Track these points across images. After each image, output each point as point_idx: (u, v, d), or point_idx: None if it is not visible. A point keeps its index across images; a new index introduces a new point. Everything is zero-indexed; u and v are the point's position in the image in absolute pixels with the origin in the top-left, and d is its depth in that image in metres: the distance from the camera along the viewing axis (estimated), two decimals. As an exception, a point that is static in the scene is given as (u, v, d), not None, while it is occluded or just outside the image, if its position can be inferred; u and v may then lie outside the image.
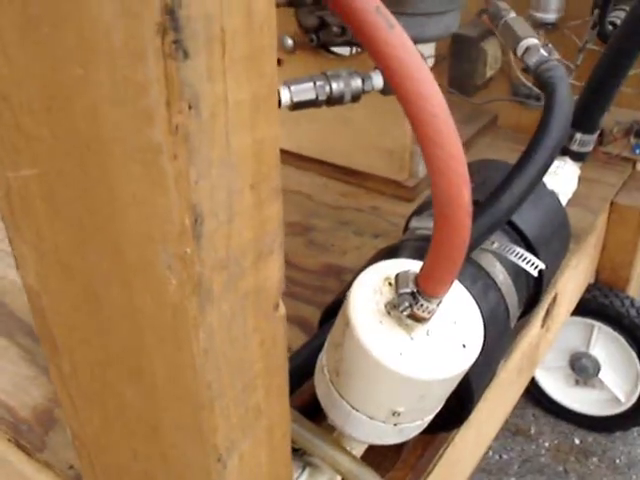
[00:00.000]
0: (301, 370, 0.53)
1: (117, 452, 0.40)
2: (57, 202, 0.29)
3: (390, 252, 0.57)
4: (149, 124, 0.23)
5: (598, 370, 1.15)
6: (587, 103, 0.74)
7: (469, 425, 0.64)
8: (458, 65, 1.01)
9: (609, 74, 0.71)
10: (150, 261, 0.27)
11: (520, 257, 0.59)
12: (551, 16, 0.95)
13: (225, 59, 0.24)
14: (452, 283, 0.39)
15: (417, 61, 0.31)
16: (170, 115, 0.23)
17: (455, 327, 0.43)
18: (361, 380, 0.42)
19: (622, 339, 1.10)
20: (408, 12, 0.66)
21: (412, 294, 0.40)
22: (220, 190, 0.26)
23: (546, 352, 0.94)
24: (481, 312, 0.45)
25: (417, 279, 0.40)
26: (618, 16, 0.86)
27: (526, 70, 0.63)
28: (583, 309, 1.06)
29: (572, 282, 0.92)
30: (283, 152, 0.93)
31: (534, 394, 1.24)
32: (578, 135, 0.76)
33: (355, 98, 0.69)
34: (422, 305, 0.40)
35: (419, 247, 0.57)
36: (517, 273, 0.61)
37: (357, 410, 0.44)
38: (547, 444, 1.23)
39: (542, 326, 0.84)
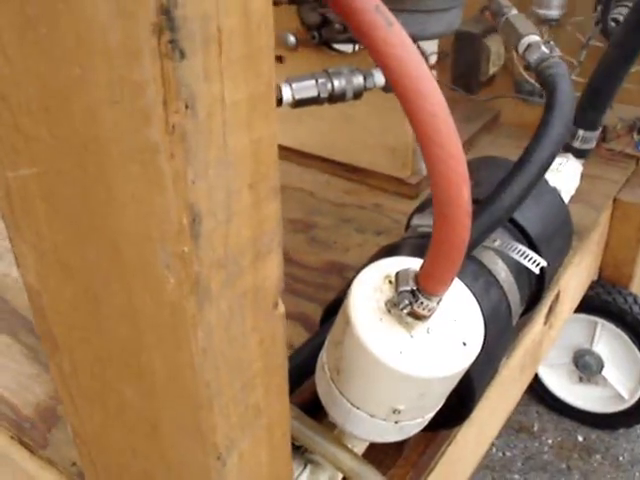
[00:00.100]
0: (302, 368, 0.53)
1: (117, 450, 0.40)
2: (56, 201, 0.30)
3: (391, 250, 0.57)
4: (146, 124, 0.23)
5: (601, 367, 1.14)
6: (589, 100, 0.74)
7: (471, 423, 0.64)
8: (461, 62, 1.01)
9: (611, 71, 0.71)
10: (148, 260, 0.27)
11: (522, 254, 0.59)
12: (554, 13, 0.95)
13: (222, 59, 0.24)
14: (452, 282, 0.39)
15: (416, 60, 0.31)
16: (167, 115, 0.23)
17: (455, 325, 0.43)
18: (361, 378, 0.42)
19: (625, 336, 1.09)
20: (410, 9, 0.66)
21: (412, 292, 0.40)
22: (218, 189, 0.26)
23: (549, 349, 0.93)
24: (483, 310, 0.45)
25: (417, 277, 0.40)
26: (621, 13, 0.85)
27: (527, 67, 0.63)
28: (586, 306, 1.06)
29: (575, 279, 0.92)
30: (285, 149, 0.93)
31: (537, 391, 1.24)
32: (580, 132, 0.75)
33: (357, 95, 0.69)
34: (422, 303, 0.40)
35: (420, 245, 0.56)
36: (519, 271, 0.61)
37: (357, 408, 0.44)
38: (550, 441, 1.23)
39: (545, 323, 0.84)
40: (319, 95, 0.66)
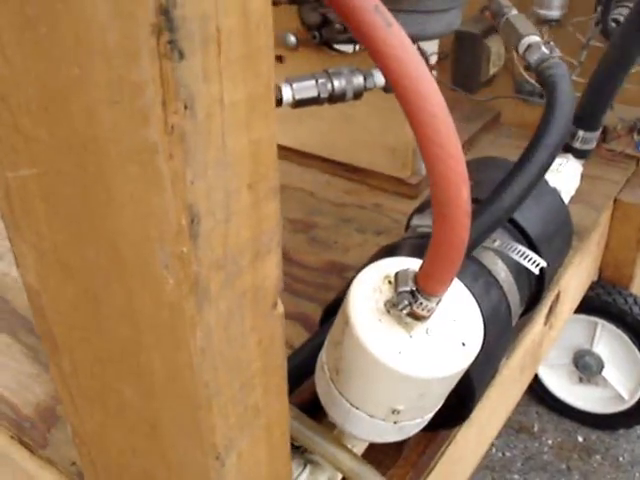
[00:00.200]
0: (302, 368, 0.53)
1: (117, 450, 0.40)
2: (56, 202, 0.30)
3: (391, 250, 0.57)
4: (145, 124, 0.23)
5: (601, 368, 1.14)
6: (589, 101, 0.74)
7: (471, 423, 0.64)
8: (461, 62, 1.00)
9: (611, 72, 0.71)
10: (148, 260, 0.27)
11: (522, 255, 0.59)
12: (555, 13, 0.95)
13: (221, 59, 0.24)
14: (451, 282, 0.39)
15: (415, 60, 0.31)
16: (166, 115, 0.23)
17: (455, 325, 0.43)
18: (360, 378, 0.42)
19: (625, 337, 1.09)
20: (410, 9, 0.66)
21: (411, 292, 0.40)
22: (217, 190, 0.26)
23: (549, 350, 0.93)
24: (482, 310, 0.45)
25: (416, 278, 0.40)
26: (621, 13, 0.85)
27: (527, 68, 0.63)
28: (586, 307, 1.06)
29: (575, 280, 0.92)
30: (286, 149, 0.93)
31: (538, 391, 1.24)
32: (581, 133, 0.75)
33: (357, 95, 0.69)
34: (421, 304, 0.40)
35: (420, 245, 0.56)
36: (519, 271, 0.61)
37: (357, 408, 0.44)
38: (550, 441, 1.23)
39: (545, 324, 0.84)
40: (319, 95, 0.66)
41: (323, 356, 0.47)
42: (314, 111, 0.71)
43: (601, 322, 1.11)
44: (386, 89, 0.70)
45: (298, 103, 0.66)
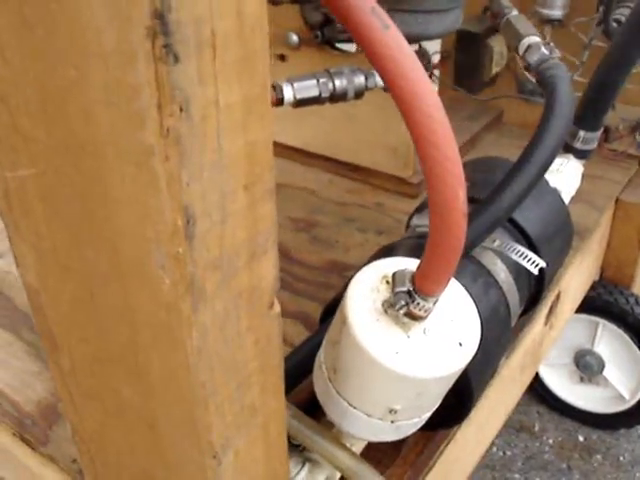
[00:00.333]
0: (301, 367, 0.53)
1: (116, 448, 0.41)
2: (54, 202, 0.30)
3: (390, 250, 0.58)
4: (141, 126, 0.24)
5: (602, 367, 1.14)
6: (591, 101, 0.74)
7: (470, 422, 0.65)
8: (464, 61, 1.00)
9: (612, 72, 0.71)
10: (144, 261, 0.28)
11: (521, 255, 0.59)
12: (557, 12, 0.95)
13: (216, 62, 0.24)
14: (448, 283, 0.39)
15: (412, 61, 0.32)
16: (161, 118, 0.23)
17: (452, 325, 0.43)
18: (358, 378, 0.43)
19: (627, 336, 1.09)
20: (412, 9, 0.66)
21: (408, 293, 0.40)
22: (212, 191, 0.26)
23: (549, 349, 0.94)
24: (481, 310, 0.46)
25: (414, 278, 0.40)
26: (623, 13, 0.85)
27: (527, 68, 0.63)
28: (587, 306, 1.06)
29: (576, 279, 0.92)
30: (288, 148, 0.93)
31: (539, 391, 1.24)
32: (581, 133, 0.75)
33: (358, 95, 0.69)
34: (418, 304, 0.40)
35: (418, 245, 0.57)
36: (518, 271, 0.61)
37: (354, 407, 0.45)
38: (551, 441, 1.23)
39: (545, 323, 0.84)
40: (320, 95, 0.66)
41: (321, 355, 0.47)
42: (316, 110, 0.71)
43: (602, 322, 1.11)
44: (386, 89, 0.70)
45: (299, 102, 0.66)
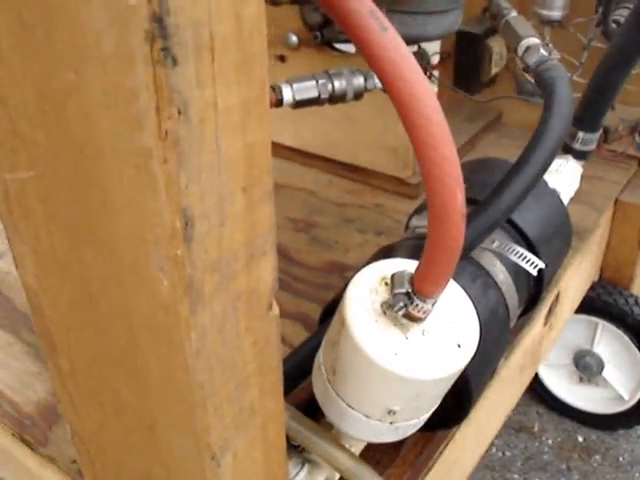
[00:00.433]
0: (300, 368, 0.53)
1: (115, 449, 0.41)
2: (53, 204, 0.30)
3: (389, 251, 0.58)
4: (139, 129, 0.24)
5: (602, 368, 1.15)
6: (590, 102, 0.74)
7: (469, 423, 0.65)
8: (463, 62, 1.01)
9: (611, 73, 0.71)
10: (143, 263, 0.28)
11: (520, 256, 0.59)
12: (556, 13, 0.95)
13: (214, 65, 0.24)
14: (446, 284, 0.39)
15: (410, 64, 0.32)
16: (160, 120, 0.23)
17: (451, 327, 0.43)
18: (356, 379, 0.43)
19: (626, 337, 1.09)
20: (410, 11, 0.66)
21: (407, 294, 0.40)
22: (211, 194, 0.26)
23: (549, 350, 0.94)
24: (480, 311, 0.46)
25: (412, 279, 0.40)
26: (622, 14, 0.85)
27: (526, 70, 0.63)
28: (587, 307, 1.06)
29: (575, 280, 0.92)
30: (288, 149, 0.93)
31: (538, 391, 1.24)
32: (581, 134, 0.75)
33: (357, 96, 0.69)
34: (417, 305, 0.40)
35: (417, 246, 0.57)
36: (517, 272, 0.61)
37: (353, 408, 0.45)
38: (550, 441, 1.23)
39: (545, 324, 0.84)
40: (320, 96, 0.67)
41: (320, 356, 0.47)
42: (316, 111, 0.71)
43: (602, 322, 1.11)
44: (385, 90, 0.70)
45: (298, 104, 0.66)
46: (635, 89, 0.92)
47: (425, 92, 0.32)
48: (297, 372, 0.53)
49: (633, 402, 1.15)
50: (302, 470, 0.52)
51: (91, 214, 0.28)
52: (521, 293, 0.62)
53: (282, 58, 0.92)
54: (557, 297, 0.84)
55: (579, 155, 0.78)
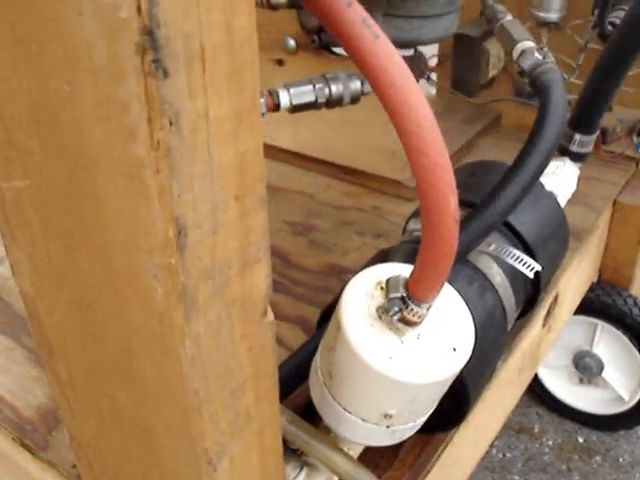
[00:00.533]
0: (298, 371, 0.53)
1: (113, 454, 0.41)
2: (48, 212, 0.30)
3: (386, 255, 0.58)
4: (132, 140, 0.24)
5: (602, 369, 1.15)
6: (586, 104, 0.75)
7: (467, 425, 0.65)
8: (461, 65, 1.01)
9: (608, 75, 0.71)
10: (137, 271, 0.28)
11: (516, 259, 0.59)
12: (553, 15, 0.95)
13: (205, 76, 0.24)
14: (441, 289, 0.39)
15: (402, 71, 0.32)
16: (152, 131, 0.24)
17: (446, 331, 0.43)
18: (352, 383, 0.43)
19: (625, 338, 1.10)
20: (405, 15, 0.66)
21: (402, 299, 0.40)
22: (203, 202, 0.27)
23: (548, 351, 0.94)
24: (477, 314, 0.46)
25: (407, 284, 0.40)
26: (618, 16, 0.86)
27: (521, 73, 0.64)
28: (586, 308, 1.06)
29: (574, 281, 0.92)
30: (286, 152, 0.93)
31: (538, 392, 1.25)
32: (577, 136, 0.76)
33: (354, 100, 0.70)
34: (412, 310, 0.40)
35: (414, 250, 0.57)
36: (514, 275, 0.61)
37: (349, 412, 0.45)
38: (551, 442, 1.23)
39: (543, 326, 0.84)
40: (317, 100, 0.67)
41: (317, 361, 0.48)
42: (314, 114, 0.71)
43: (601, 323, 1.11)
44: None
45: (296, 108, 0.66)
46: (633, 90, 0.92)
47: (416, 99, 0.32)
48: (295, 375, 0.53)
49: (633, 403, 1.15)
50: (301, 473, 0.52)
51: (85, 223, 0.29)
52: (518, 296, 0.62)
53: (280, 62, 0.93)
54: (556, 299, 0.84)
55: (576, 157, 0.78)
